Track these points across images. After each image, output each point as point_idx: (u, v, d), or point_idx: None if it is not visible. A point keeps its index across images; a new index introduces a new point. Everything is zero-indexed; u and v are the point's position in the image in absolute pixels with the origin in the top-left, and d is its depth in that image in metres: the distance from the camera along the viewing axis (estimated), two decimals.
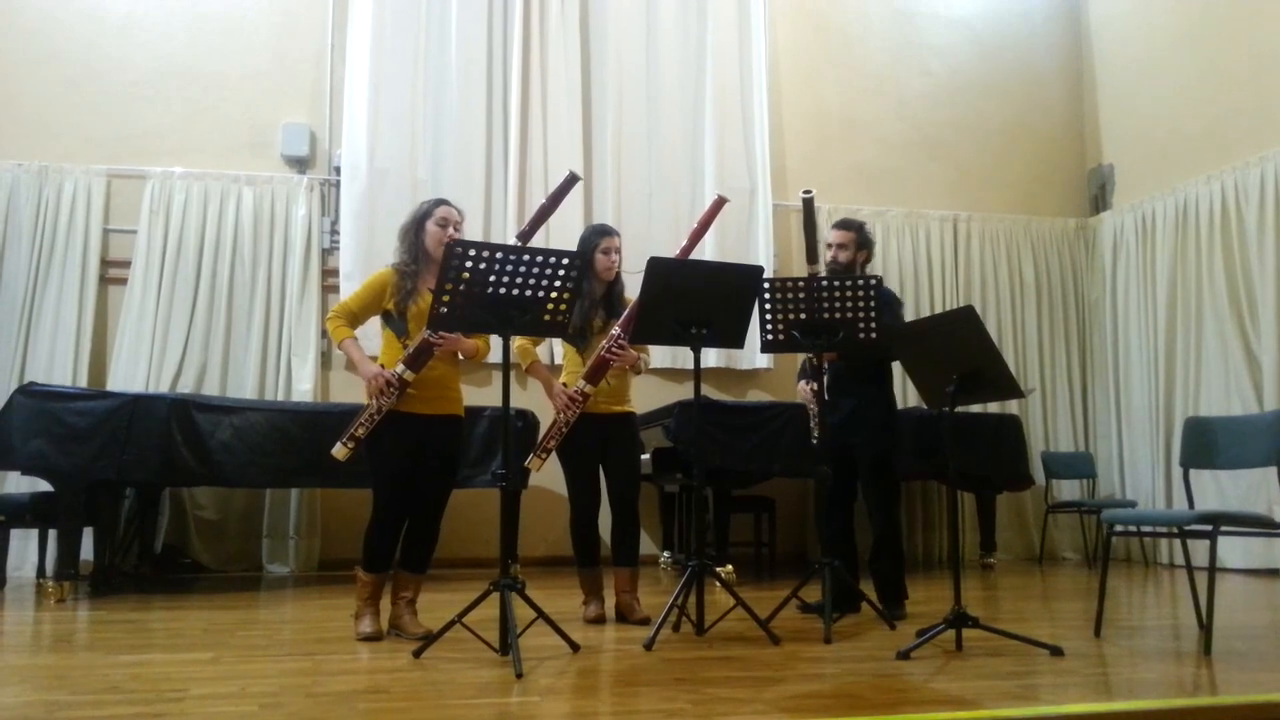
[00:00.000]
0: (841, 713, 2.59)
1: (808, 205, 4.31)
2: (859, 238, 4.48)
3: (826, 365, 4.33)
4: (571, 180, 4.05)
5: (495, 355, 6.71)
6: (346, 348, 3.86)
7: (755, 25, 7.73)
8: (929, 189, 8.05)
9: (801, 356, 4.73)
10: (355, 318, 3.89)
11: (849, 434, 4.37)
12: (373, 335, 4.15)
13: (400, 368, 3.71)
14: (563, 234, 7.04)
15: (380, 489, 3.79)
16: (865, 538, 4.53)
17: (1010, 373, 3.61)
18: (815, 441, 4.35)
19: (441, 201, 3.98)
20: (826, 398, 4.28)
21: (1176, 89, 7.39)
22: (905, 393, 7.28)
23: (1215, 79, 7.03)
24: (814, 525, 7.06)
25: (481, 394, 6.87)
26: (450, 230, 3.88)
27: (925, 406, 4.06)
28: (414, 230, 3.90)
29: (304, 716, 2.59)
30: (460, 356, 3.94)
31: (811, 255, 4.32)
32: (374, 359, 3.86)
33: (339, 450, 3.78)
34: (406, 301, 3.81)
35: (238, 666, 3.28)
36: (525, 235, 3.97)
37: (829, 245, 4.50)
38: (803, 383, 4.52)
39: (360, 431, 3.73)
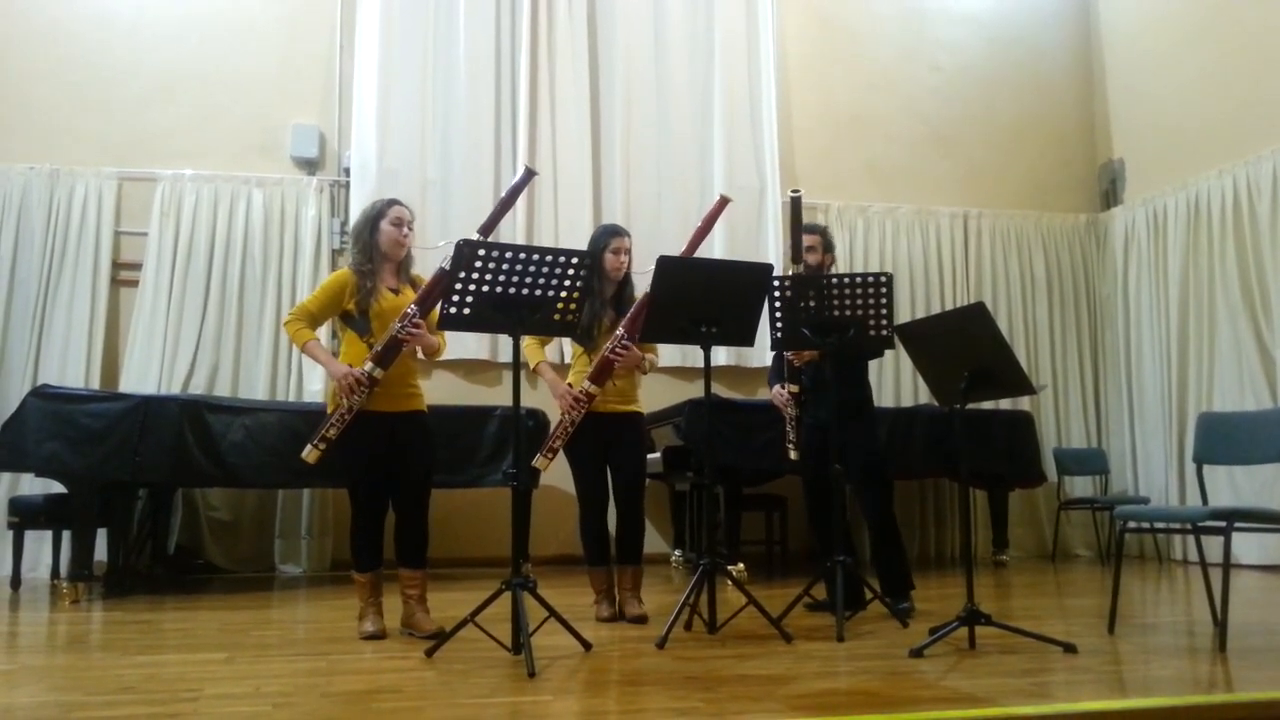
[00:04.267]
0: (854, 711, 2.59)
1: (795, 205, 4.34)
2: (824, 240, 4.55)
3: (803, 366, 4.33)
4: (528, 176, 4.08)
5: (504, 355, 6.83)
6: (310, 349, 3.86)
7: (763, 23, 7.72)
8: (939, 185, 8.03)
9: (771, 358, 4.76)
10: (315, 319, 3.88)
11: (833, 432, 4.29)
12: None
13: (369, 365, 3.72)
14: (572, 234, 7.06)
15: (354, 489, 3.83)
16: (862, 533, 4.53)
17: (1022, 369, 3.59)
18: (791, 447, 4.32)
19: (394, 202, 4.01)
20: (805, 399, 4.29)
21: (1187, 83, 7.35)
22: (916, 389, 7.29)
23: (1226, 72, 6.99)
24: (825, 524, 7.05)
25: (492, 393, 6.89)
26: (405, 230, 3.92)
27: (937, 404, 4.05)
28: (368, 231, 3.92)
29: (318, 716, 2.60)
30: (420, 355, 3.95)
31: (796, 255, 4.34)
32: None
33: (309, 453, 3.74)
34: (368, 300, 3.83)
35: (252, 666, 3.29)
36: (485, 229, 3.90)
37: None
38: (777, 387, 4.48)
39: (332, 433, 3.72)
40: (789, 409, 4.35)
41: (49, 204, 6.66)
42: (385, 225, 3.91)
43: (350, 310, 3.85)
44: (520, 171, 4.21)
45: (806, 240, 4.46)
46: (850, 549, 4.40)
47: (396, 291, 3.89)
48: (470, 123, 7.18)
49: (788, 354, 4.35)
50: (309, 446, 3.75)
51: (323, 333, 4.13)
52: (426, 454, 3.94)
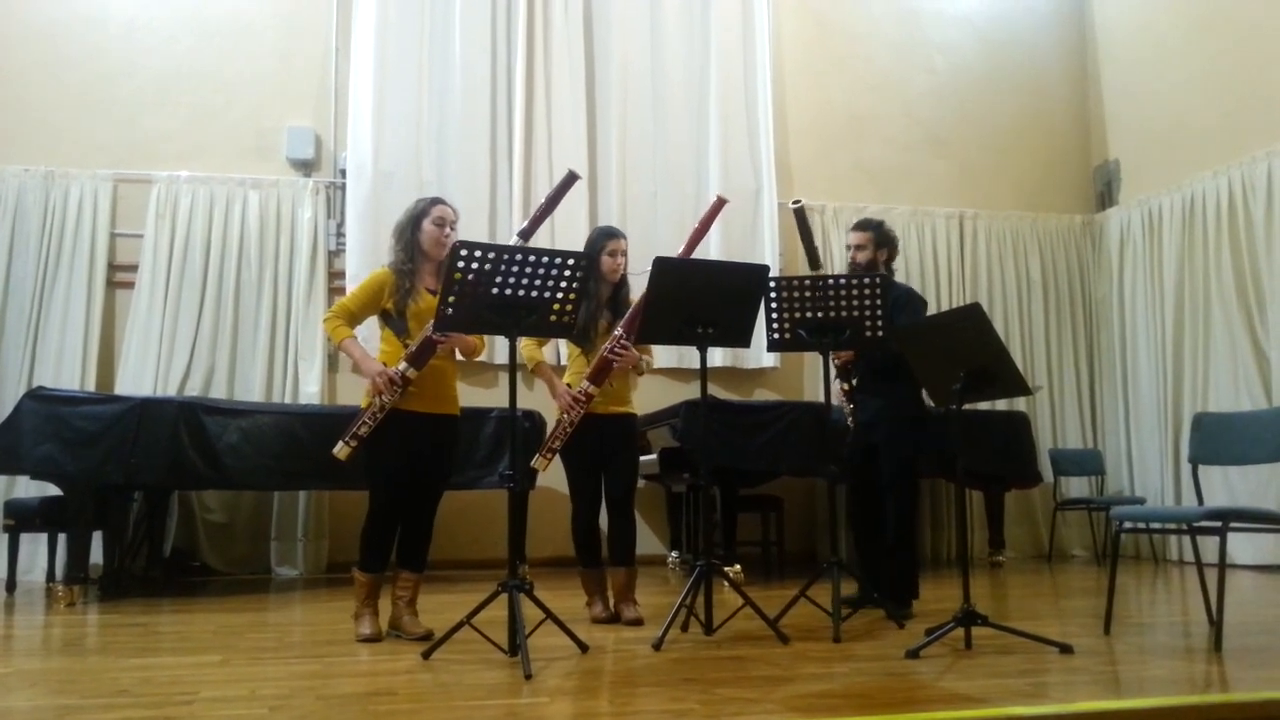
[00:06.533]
0: (851, 712, 2.59)
1: (798, 215, 4.37)
2: (877, 236, 4.47)
3: (849, 365, 4.34)
4: (570, 179, 4.06)
5: (501, 356, 6.83)
6: (347, 347, 3.86)
7: (759, 24, 7.73)
8: (934, 187, 8.04)
9: (805, 366, 4.78)
10: (354, 317, 3.89)
11: (874, 433, 4.36)
12: (365, 338, 4.16)
13: (403, 365, 3.72)
14: (568, 235, 7.04)
15: (377, 488, 3.81)
16: None
17: (1018, 370, 3.60)
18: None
19: (437, 200, 3.98)
20: (858, 397, 4.29)
21: (1182, 83, 7.36)
22: None
23: (1221, 73, 7.01)
24: (822, 524, 7.07)
25: (488, 395, 6.88)
26: (447, 230, 3.89)
27: (933, 404, 4.06)
28: (410, 229, 3.90)
29: (314, 719, 2.59)
30: (458, 355, 3.94)
31: (813, 262, 4.35)
32: (374, 358, 3.88)
33: (340, 449, 3.77)
34: (405, 300, 3.81)
35: (247, 669, 3.29)
36: (526, 234, 3.98)
37: (848, 247, 4.52)
38: (838, 382, 4.49)
39: (363, 430, 3.73)
40: (846, 405, 4.36)
41: (44, 206, 6.65)
42: (428, 224, 3.88)
43: (388, 309, 3.84)
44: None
45: (856, 238, 4.47)
46: (881, 549, 4.42)
47: (435, 292, 3.81)
48: (466, 124, 7.18)
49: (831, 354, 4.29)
50: (340, 443, 3.76)
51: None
52: (449, 459, 3.94)
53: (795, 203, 4.43)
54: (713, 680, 3.01)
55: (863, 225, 4.53)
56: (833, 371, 4.35)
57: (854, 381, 4.42)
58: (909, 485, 4.41)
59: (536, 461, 4.24)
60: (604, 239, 4.34)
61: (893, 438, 4.35)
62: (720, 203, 4.42)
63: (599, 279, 4.27)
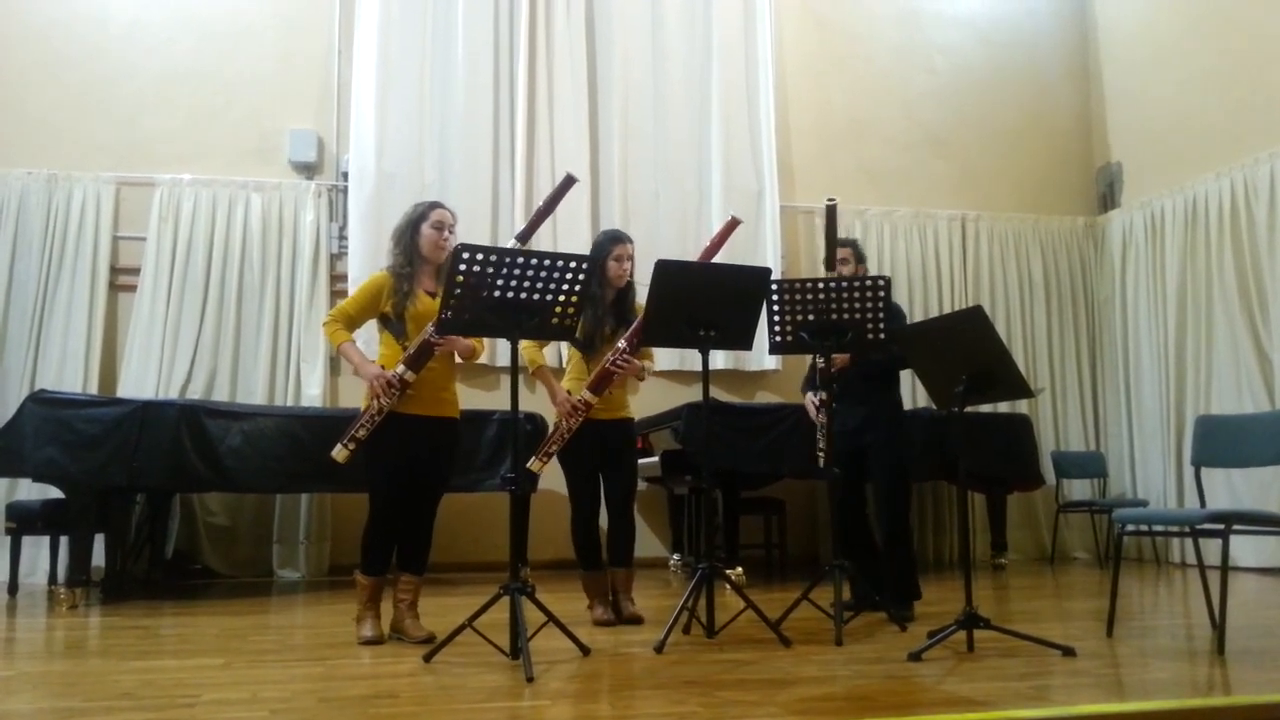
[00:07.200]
0: (853, 715, 2.59)
1: (830, 213, 4.34)
2: (855, 252, 4.60)
3: (835, 373, 4.33)
4: (568, 182, 4.05)
5: (502, 358, 6.84)
6: (345, 351, 3.86)
7: (761, 25, 7.73)
8: (936, 188, 8.03)
9: (806, 368, 4.77)
10: (353, 321, 3.90)
11: (862, 437, 4.38)
12: (366, 340, 4.16)
13: (401, 368, 3.72)
14: (569, 238, 7.05)
15: (378, 491, 3.81)
16: None
17: (1020, 372, 3.60)
18: (820, 454, 4.26)
19: (436, 204, 3.98)
20: (837, 405, 4.27)
21: (1184, 85, 7.36)
22: (914, 393, 7.28)
23: (1223, 75, 7.00)
24: (824, 527, 7.06)
25: (490, 398, 6.88)
26: (446, 233, 3.89)
27: (935, 407, 4.06)
28: (409, 233, 3.90)
29: None
30: (457, 358, 3.94)
31: (831, 262, 4.37)
32: (373, 361, 3.88)
33: (339, 452, 3.78)
34: (404, 304, 3.81)
35: (249, 672, 3.29)
36: (523, 237, 3.98)
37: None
38: (810, 394, 4.51)
39: (361, 433, 3.74)
40: (820, 416, 4.36)
41: (47, 208, 6.66)
42: (426, 228, 3.88)
43: (387, 312, 3.84)
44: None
45: (840, 254, 4.51)
46: (872, 552, 4.44)
47: (434, 295, 3.84)
48: (468, 126, 7.18)
49: (820, 361, 4.29)
50: (339, 446, 3.77)
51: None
52: (448, 462, 3.94)
53: (830, 200, 4.39)
54: (714, 683, 3.00)
55: (842, 243, 4.59)
56: (814, 378, 4.37)
57: (834, 388, 4.40)
58: (905, 487, 4.45)
59: (533, 464, 4.26)
60: (611, 243, 4.33)
61: (888, 441, 4.37)
62: (734, 223, 4.42)
63: (604, 284, 4.26)
